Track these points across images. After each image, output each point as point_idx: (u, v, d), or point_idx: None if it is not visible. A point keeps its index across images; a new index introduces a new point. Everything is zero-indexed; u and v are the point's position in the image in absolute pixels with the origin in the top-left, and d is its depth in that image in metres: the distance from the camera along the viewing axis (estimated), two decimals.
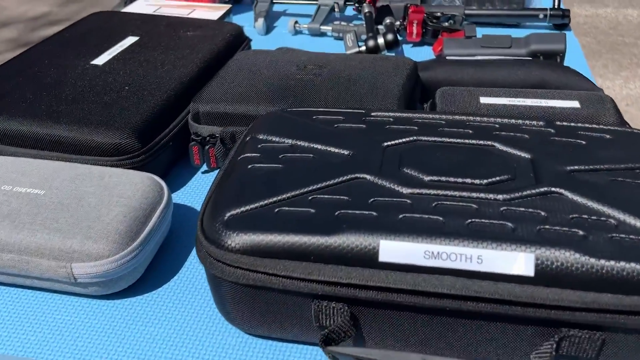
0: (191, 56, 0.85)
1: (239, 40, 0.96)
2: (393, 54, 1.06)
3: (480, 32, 1.16)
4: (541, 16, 1.14)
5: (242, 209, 0.50)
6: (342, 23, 1.14)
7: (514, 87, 0.84)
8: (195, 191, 0.74)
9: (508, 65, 0.86)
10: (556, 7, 1.14)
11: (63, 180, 0.61)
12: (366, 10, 1.10)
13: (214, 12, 1.13)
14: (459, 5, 1.17)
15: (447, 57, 0.93)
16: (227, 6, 1.17)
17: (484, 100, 0.73)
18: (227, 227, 0.48)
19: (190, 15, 1.12)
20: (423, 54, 1.09)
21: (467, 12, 1.16)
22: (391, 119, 0.61)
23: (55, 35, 0.92)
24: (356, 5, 1.14)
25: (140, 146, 0.69)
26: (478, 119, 0.61)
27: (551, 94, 0.74)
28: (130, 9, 1.15)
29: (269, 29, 1.21)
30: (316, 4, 1.21)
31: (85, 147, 0.68)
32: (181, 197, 0.73)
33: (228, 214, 0.49)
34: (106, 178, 0.62)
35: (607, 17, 4.24)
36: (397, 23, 1.10)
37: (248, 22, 1.23)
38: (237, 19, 1.25)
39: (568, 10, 1.14)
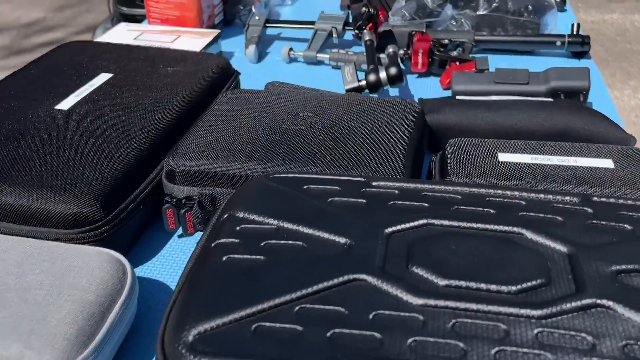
0: (169, 98, 0.75)
1: (226, 75, 0.87)
2: (397, 93, 0.96)
3: (492, 60, 1.06)
4: (559, 43, 1.04)
5: (213, 324, 0.40)
6: (341, 51, 1.05)
7: (534, 134, 0.74)
8: (169, 261, 0.64)
9: (527, 108, 0.76)
10: (575, 33, 1.05)
11: (8, 264, 0.52)
12: (367, 37, 1.01)
13: (200, 39, 1.04)
14: (468, 31, 1.07)
15: (457, 96, 0.83)
16: (215, 32, 1.07)
17: (503, 157, 0.63)
18: (192, 352, 0.39)
19: (175, 42, 1.02)
20: (429, 86, 0.99)
21: (477, 38, 1.06)
22: (396, 191, 0.52)
23: (19, 72, 0.82)
24: (356, 31, 1.04)
25: (103, 215, 0.59)
26: (500, 192, 0.51)
27: (579, 149, 0.64)
28: (109, 35, 1.06)
29: (261, 55, 1.11)
30: (312, 28, 1.12)
31: (37, 217, 0.58)
32: (151, 269, 0.63)
33: (194, 332, 0.40)
34: (59, 261, 0.52)
35: (613, 24, 4.15)
36: (401, 52, 1.01)
37: (239, 47, 1.14)
38: (227, 44, 1.15)
39: (588, 37, 1.04)
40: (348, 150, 0.63)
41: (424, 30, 1.06)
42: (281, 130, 0.67)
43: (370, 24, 1.03)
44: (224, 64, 0.87)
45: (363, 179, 0.53)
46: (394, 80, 0.90)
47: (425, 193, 0.52)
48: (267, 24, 1.14)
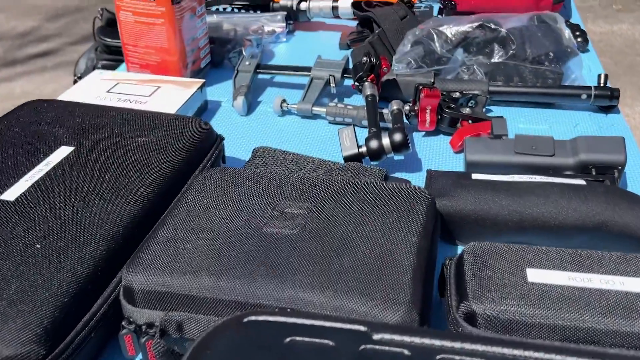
0: (136, 183, 0.64)
1: (207, 143, 0.75)
2: (402, 157, 0.84)
3: (509, 112, 0.95)
4: (584, 96, 0.92)
5: None
6: (339, 105, 0.94)
7: (564, 228, 0.63)
8: None
9: (556, 195, 0.65)
10: (602, 84, 0.93)
11: None
12: (368, 92, 0.89)
13: (182, 91, 0.93)
14: (481, 81, 0.96)
15: (473, 174, 0.71)
16: (199, 81, 0.96)
17: (533, 275, 0.52)
18: None
19: (154, 96, 0.91)
20: (439, 147, 0.88)
21: (491, 89, 0.95)
22: (405, 351, 0.40)
23: None
24: (355, 83, 0.93)
25: (44, 354, 0.48)
26: (536, 356, 0.40)
27: (626, 263, 0.53)
28: (81, 85, 0.95)
29: (251, 105, 1.00)
30: (308, 75, 1.01)
31: None
32: None
33: None
34: None
35: (622, 35, 4.03)
36: (407, 108, 0.90)
37: (228, 93, 1.03)
38: (214, 90, 1.04)
39: (617, 90, 0.92)
40: (344, 267, 0.52)
41: (432, 81, 0.95)
42: (264, 236, 0.56)
43: (372, 75, 0.92)
44: (204, 130, 0.76)
45: (363, 329, 0.42)
46: (398, 149, 0.79)
47: (442, 351, 0.40)
48: (258, 70, 1.03)
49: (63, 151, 0.70)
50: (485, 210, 0.65)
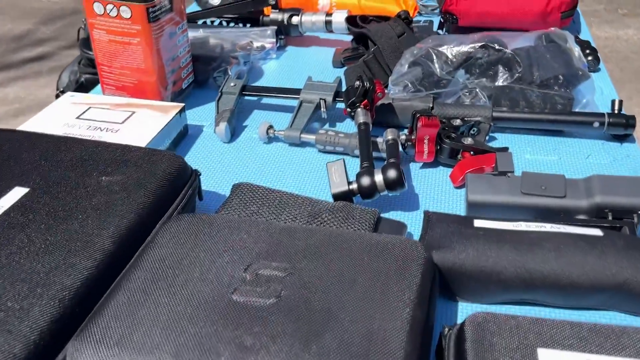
0: (95, 234, 0.57)
1: (180, 182, 0.68)
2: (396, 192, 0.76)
3: (514, 140, 0.88)
4: (596, 124, 0.85)
5: None
6: (330, 132, 0.86)
7: (578, 289, 0.56)
8: None
9: (568, 250, 0.57)
10: (616, 111, 0.86)
11: None
12: (360, 120, 0.82)
13: (159, 117, 0.85)
14: (484, 106, 0.88)
15: (475, 220, 0.64)
16: (178, 106, 0.88)
17: (544, 357, 0.44)
18: None
19: (127, 123, 0.84)
20: (438, 180, 0.80)
21: (495, 115, 0.87)
22: None
23: None
24: (348, 110, 0.85)
25: None
26: None
27: None
28: (50, 110, 0.87)
29: (235, 130, 0.92)
30: (296, 98, 0.93)
31: None
32: None
33: None
34: None
35: (628, 40, 3.95)
36: (403, 137, 0.82)
37: (211, 116, 0.95)
38: (196, 113, 0.97)
39: (633, 118, 0.85)
40: (324, 350, 0.44)
41: (431, 106, 0.88)
42: (234, 307, 0.48)
43: (365, 101, 0.84)
44: (177, 166, 0.68)
45: None
46: (392, 187, 0.71)
47: None
48: (244, 92, 0.96)
49: (16, 193, 0.62)
50: (489, 266, 0.57)
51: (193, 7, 1.42)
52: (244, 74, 1.09)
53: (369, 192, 0.72)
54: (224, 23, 1.23)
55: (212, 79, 1.05)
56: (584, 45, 1.08)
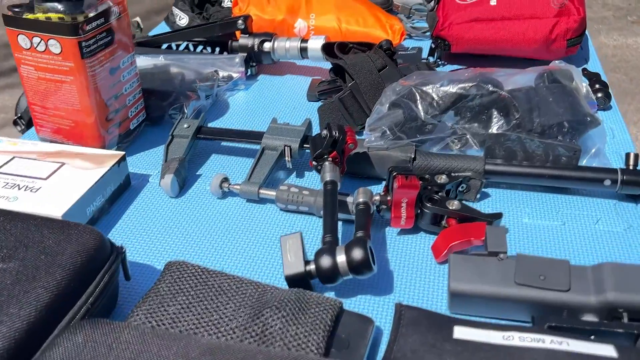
0: None
1: (95, 264, 0.55)
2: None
3: (510, 198, 0.75)
4: (607, 182, 0.72)
5: None
6: (293, 188, 0.73)
7: None
8: None
9: None
10: (632, 167, 0.72)
11: None
12: (327, 177, 0.69)
13: (93, 169, 0.73)
14: (475, 157, 0.75)
15: (455, 331, 0.51)
16: (118, 155, 0.76)
17: None
18: None
19: (54, 177, 0.71)
20: (417, 253, 0.67)
21: (489, 167, 0.74)
22: None
23: None
24: (314, 162, 0.72)
25: None
26: None
27: None
28: None
29: (185, 182, 0.80)
30: (258, 144, 0.80)
31: None
32: None
33: None
34: None
35: (638, 49, 3.80)
36: (377, 197, 0.69)
37: (158, 161, 0.82)
38: (144, 159, 0.84)
39: None
40: None
41: (413, 157, 0.75)
42: None
43: (334, 153, 0.71)
44: (93, 246, 0.55)
45: None
46: (357, 270, 0.58)
47: None
48: (199, 135, 0.83)
49: None
50: None
51: (162, 27, 1.29)
52: (206, 108, 0.96)
53: (329, 276, 0.59)
54: (191, 47, 1.11)
55: (168, 115, 0.92)
56: (593, 79, 0.95)
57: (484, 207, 0.74)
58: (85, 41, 0.74)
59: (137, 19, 1.49)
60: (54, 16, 0.73)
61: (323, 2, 1.09)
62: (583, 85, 0.87)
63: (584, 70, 0.99)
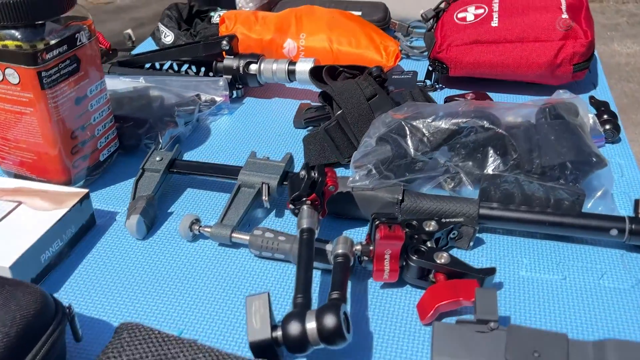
0: None
1: (35, 330, 0.49)
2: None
3: (504, 245, 0.68)
4: (614, 232, 0.65)
5: None
6: (268, 233, 0.67)
7: None
8: None
9: None
10: None
11: None
12: (304, 225, 0.62)
13: (52, 211, 0.67)
14: (469, 199, 0.68)
15: None
16: (81, 193, 0.70)
17: None
18: None
19: (10, 217, 0.66)
20: (401, 307, 0.61)
21: (483, 212, 0.67)
22: None
23: None
24: (291, 206, 0.66)
25: None
26: None
27: None
28: None
29: (156, 220, 0.74)
30: (234, 180, 0.74)
31: None
32: None
33: None
34: None
35: None
36: (358, 247, 0.63)
37: (129, 195, 0.76)
38: (113, 193, 0.78)
39: None
40: None
41: (401, 199, 0.69)
42: None
43: (313, 195, 0.65)
44: (34, 309, 0.50)
45: None
46: (329, 339, 0.52)
47: None
48: (172, 169, 0.77)
49: None
50: None
51: (149, 43, 1.24)
52: (186, 135, 0.90)
53: (298, 345, 0.52)
54: (175, 66, 1.05)
55: (143, 145, 0.86)
56: (602, 108, 0.88)
57: (478, 255, 0.67)
58: (46, 71, 0.68)
59: (129, 31, 1.44)
60: (10, 44, 0.67)
61: (314, 21, 1.03)
62: (590, 117, 0.80)
63: (592, 98, 0.92)
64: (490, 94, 0.95)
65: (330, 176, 0.67)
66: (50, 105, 0.70)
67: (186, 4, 1.24)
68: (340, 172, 0.82)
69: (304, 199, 0.65)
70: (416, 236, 0.64)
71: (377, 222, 0.62)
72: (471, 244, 0.67)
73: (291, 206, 0.66)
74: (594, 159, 0.69)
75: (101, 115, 0.79)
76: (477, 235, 0.69)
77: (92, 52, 0.75)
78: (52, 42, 0.69)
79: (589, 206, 0.69)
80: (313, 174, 0.66)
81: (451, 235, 0.67)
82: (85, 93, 0.75)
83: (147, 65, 1.04)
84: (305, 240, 0.61)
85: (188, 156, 0.87)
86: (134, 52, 1.25)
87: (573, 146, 0.69)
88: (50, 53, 0.68)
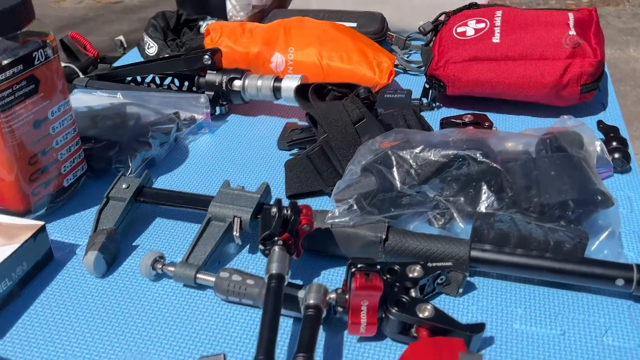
0: None
1: None
2: None
3: (497, 292, 0.61)
4: (620, 282, 0.58)
5: None
6: (235, 276, 0.60)
7: None
8: None
9: None
10: None
11: None
12: (273, 270, 0.56)
13: (3, 247, 0.61)
14: (460, 239, 0.62)
15: None
16: (35, 226, 0.64)
17: None
18: None
19: None
20: None
21: (475, 254, 0.61)
22: None
23: None
24: (261, 246, 0.60)
25: None
26: None
27: None
28: None
29: (116, 258, 0.68)
30: (204, 211, 0.68)
31: None
32: None
33: None
34: None
35: None
36: (333, 295, 0.56)
37: (90, 226, 0.70)
38: (78, 222, 0.73)
39: None
40: None
41: (385, 237, 0.62)
42: None
43: (286, 234, 0.59)
44: None
45: None
46: None
47: None
48: (139, 198, 0.71)
49: None
50: None
51: (134, 54, 1.18)
52: (160, 158, 0.85)
53: None
54: (157, 79, 0.99)
55: (114, 168, 0.80)
56: (610, 134, 0.80)
57: (467, 303, 0.60)
58: None
59: (121, 37, 1.38)
60: None
61: (304, 34, 0.97)
62: (597, 144, 0.73)
63: (600, 123, 0.85)
64: (490, 115, 0.88)
65: (305, 214, 0.61)
66: (4, 129, 0.64)
67: (174, 12, 1.18)
68: (323, 200, 0.76)
69: (276, 238, 0.59)
70: (398, 284, 0.57)
71: (353, 270, 0.55)
72: (460, 290, 0.61)
73: (261, 246, 0.60)
74: (600, 198, 0.62)
75: (65, 138, 0.73)
76: (468, 278, 0.62)
77: (53, 71, 0.69)
78: (5, 62, 0.63)
79: (592, 249, 0.63)
80: (285, 211, 0.60)
81: (438, 281, 0.60)
82: (45, 115, 0.69)
83: (129, 78, 0.99)
84: (272, 290, 0.55)
85: (162, 180, 0.81)
86: (118, 62, 1.19)
87: (576, 183, 0.62)
88: (3, 74, 0.63)
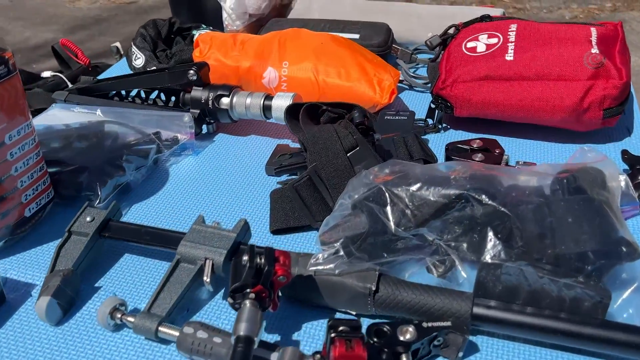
0: None
1: None
2: None
3: (502, 356, 0.53)
4: None
5: None
6: (201, 332, 0.53)
7: None
8: None
9: None
10: None
11: None
12: (240, 331, 0.48)
13: None
14: (461, 292, 0.53)
15: None
16: None
17: None
18: None
19: None
20: None
21: (478, 311, 0.53)
22: None
23: None
24: (230, 299, 0.52)
25: None
26: None
27: None
28: None
29: (74, 302, 0.60)
30: (173, 251, 0.60)
31: None
32: None
33: None
34: None
35: None
36: (318, 356, 0.49)
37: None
38: (33, 259, 0.65)
39: None
40: None
41: (374, 289, 0.54)
42: None
43: (259, 286, 0.51)
44: None
45: None
46: None
47: None
48: (103, 233, 0.64)
49: None
50: None
51: (122, 65, 1.11)
52: (136, 184, 0.77)
53: None
54: (143, 93, 0.92)
55: (84, 195, 0.73)
56: (636, 167, 0.72)
57: None
58: None
59: (117, 44, 1.32)
60: None
61: (299, 47, 0.89)
62: (621, 179, 0.65)
63: (625, 153, 0.76)
64: (501, 139, 0.80)
65: (283, 263, 0.53)
66: None
67: (166, 20, 1.11)
68: (311, 236, 0.68)
69: (248, 290, 0.51)
70: (386, 349, 0.49)
71: (332, 335, 0.47)
72: (460, 354, 0.52)
73: (230, 300, 0.52)
74: (625, 249, 0.53)
75: (26, 164, 0.66)
76: (470, 337, 0.54)
77: (11, 90, 0.62)
78: None
79: (615, 306, 0.54)
80: (259, 259, 0.52)
81: (435, 343, 0.52)
82: (2, 140, 0.62)
83: (113, 92, 0.92)
84: (238, 355, 0.47)
85: (137, 208, 0.73)
86: (109, 71, 1.13)
87: (597, 231, 0.54)
88: None
